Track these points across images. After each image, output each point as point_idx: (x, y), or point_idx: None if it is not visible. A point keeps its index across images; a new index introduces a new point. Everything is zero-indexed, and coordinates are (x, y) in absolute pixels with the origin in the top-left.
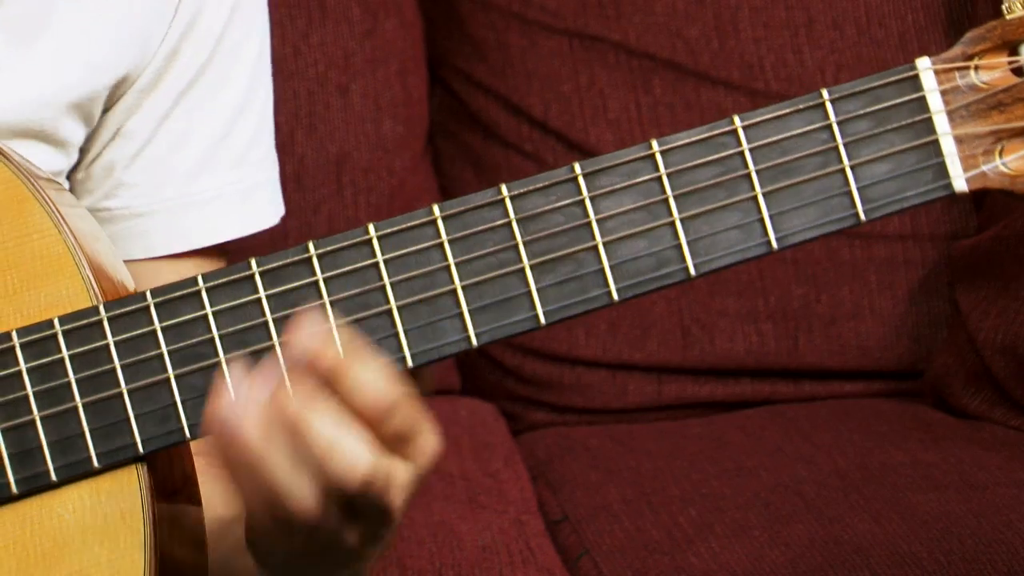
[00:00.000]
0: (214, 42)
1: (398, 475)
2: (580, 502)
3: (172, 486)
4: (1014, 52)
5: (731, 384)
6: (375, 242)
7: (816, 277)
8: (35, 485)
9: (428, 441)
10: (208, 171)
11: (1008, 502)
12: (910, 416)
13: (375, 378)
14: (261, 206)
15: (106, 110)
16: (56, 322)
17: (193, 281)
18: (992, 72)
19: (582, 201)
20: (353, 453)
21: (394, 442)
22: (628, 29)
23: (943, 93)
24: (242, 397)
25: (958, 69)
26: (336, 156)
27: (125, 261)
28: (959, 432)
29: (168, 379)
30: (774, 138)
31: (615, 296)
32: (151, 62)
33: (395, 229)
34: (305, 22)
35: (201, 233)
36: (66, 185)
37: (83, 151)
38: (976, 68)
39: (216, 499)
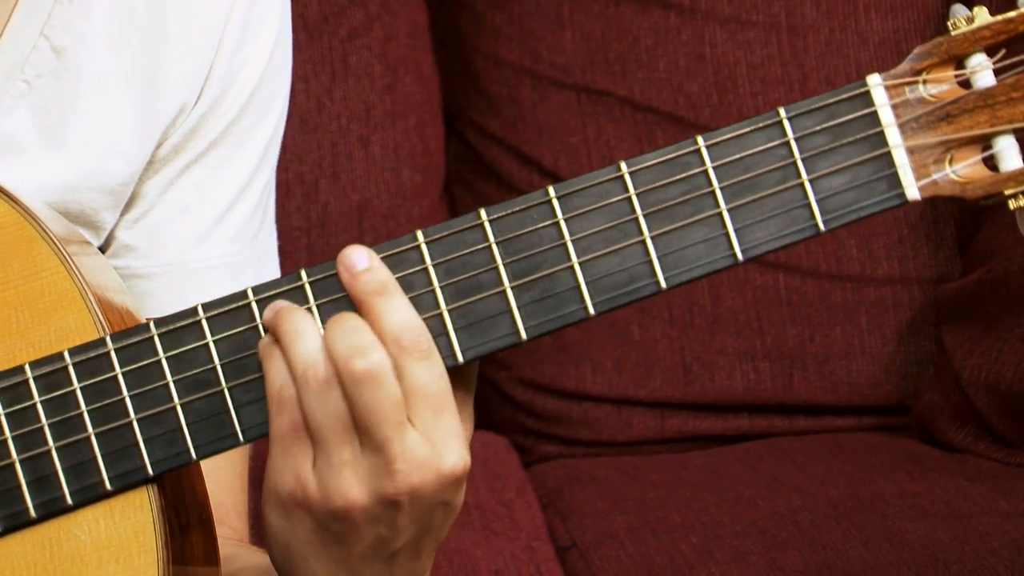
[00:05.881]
0: (229, 122)
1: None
2: (588, 529)
3: (183, 504)
4: (960, 66)
5: (730, 418)
6: None
7: (810, 318)
8: (52, 509)
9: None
10: (206, 243)
11: (991, 530)
12: (898, 449)
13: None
14: (248, 281)
15: None
16: (66, 354)
17: (194, 311)
18: (940, 85)
19: (557, 223)
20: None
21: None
22: (633, 84)
23: (894, 107)
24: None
25: (907, 84)
26: (358, 204)
27: None
28: (945, 464)
29: (175, 406)
30: (736, 156)
31: (591, 311)
32: (169, 138)
33: (383, 255)
34: (329, 78)
35: (195, 301)
36: None
37: None
38: (924, 82)
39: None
